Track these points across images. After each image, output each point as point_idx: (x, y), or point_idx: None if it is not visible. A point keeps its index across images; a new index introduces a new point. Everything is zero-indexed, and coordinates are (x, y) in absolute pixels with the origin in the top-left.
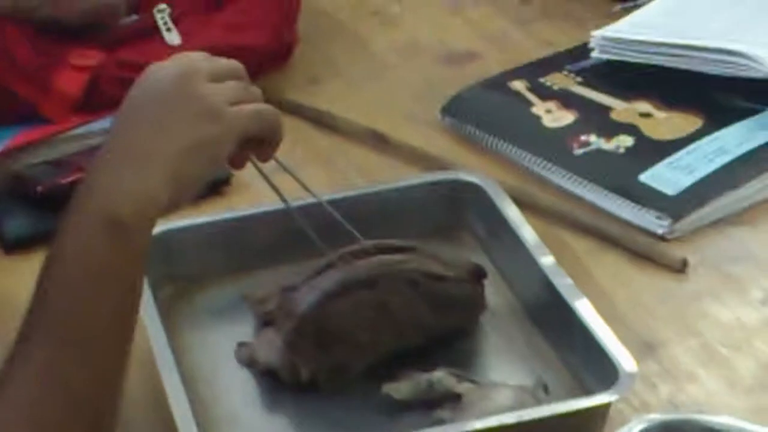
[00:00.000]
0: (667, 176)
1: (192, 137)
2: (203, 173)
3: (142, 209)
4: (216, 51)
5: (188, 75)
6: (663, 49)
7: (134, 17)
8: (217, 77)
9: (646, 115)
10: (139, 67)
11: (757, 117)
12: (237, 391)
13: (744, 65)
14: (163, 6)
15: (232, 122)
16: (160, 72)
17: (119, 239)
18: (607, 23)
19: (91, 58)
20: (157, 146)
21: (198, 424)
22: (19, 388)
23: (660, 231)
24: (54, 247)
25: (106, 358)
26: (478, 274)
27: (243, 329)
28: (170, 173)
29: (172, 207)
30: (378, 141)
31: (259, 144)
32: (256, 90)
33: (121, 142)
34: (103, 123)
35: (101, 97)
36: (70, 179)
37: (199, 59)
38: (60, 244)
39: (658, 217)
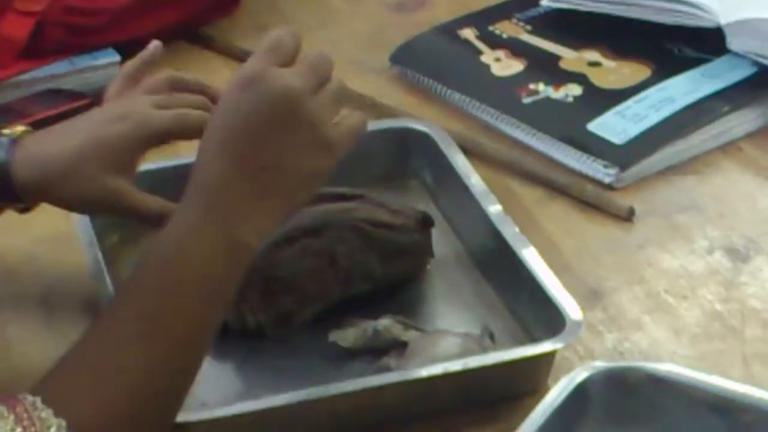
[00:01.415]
0: (615, 125)
1: (309, 170)
2: (308, 201)
3: (261, 238)
4: None
5: (298, 96)
6: None
7: None
8: (317, 82)
9: (595, 64)
10: (84, 13)
11: (704, 67)
12: None
13: (692, 14)
14: None
15: (340, 150)
16: (267, 90)
17: (238, 260)
18: None
19: (36, 3)
20: (280, 181)
21: None
22: (92, 369)
23: (607, 180)
24: (161, 239)
25: (187, 362)
26: (425, 222)
27: None
28: (288, 208)
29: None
30: None
31: None
32: (343, 85)
33: (245, 167)
34: (48, 69)
35: (46, 43)
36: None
37: (294, 71)
38: (169, 240)
39: (606, 166)
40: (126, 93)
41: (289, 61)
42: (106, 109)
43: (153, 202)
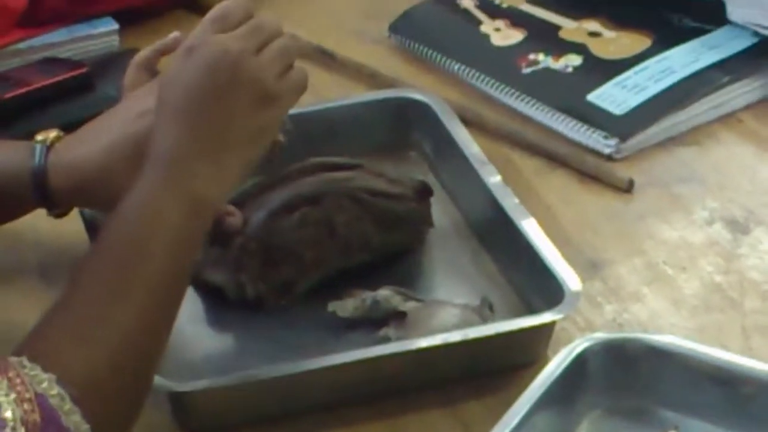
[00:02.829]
0: (615, 96)
1: (257, 125)
2: (263, 152)
3: (222, 194)
4: None
5: (235, 58)
6: None
7: None
8: (258, 43)
9: (595, 35)
10: None
11: (704, 37)
12: (182, 309)
13: None
14: None
15: (286, 101)
16: (205, 57)
17: (200, 217)
18: None
19: None
20: (231, 139)
21: None
22: (77, 326)
23: (607, 151)
24: (122, 210)
25: (162, 314)
26: (424, 192)
27: None
28: (244, 161)
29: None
30: (326, 58)
31: None
32: (291, 42)
33: (198, 133)
34: (46, 38)
35: (45, 11)
36: (12, 93)
37: (233, 34)
38: (131, 211)
39: (606, 137)
40: (142, 82)
41: (235, 28)
42: (130, 104)
43: None
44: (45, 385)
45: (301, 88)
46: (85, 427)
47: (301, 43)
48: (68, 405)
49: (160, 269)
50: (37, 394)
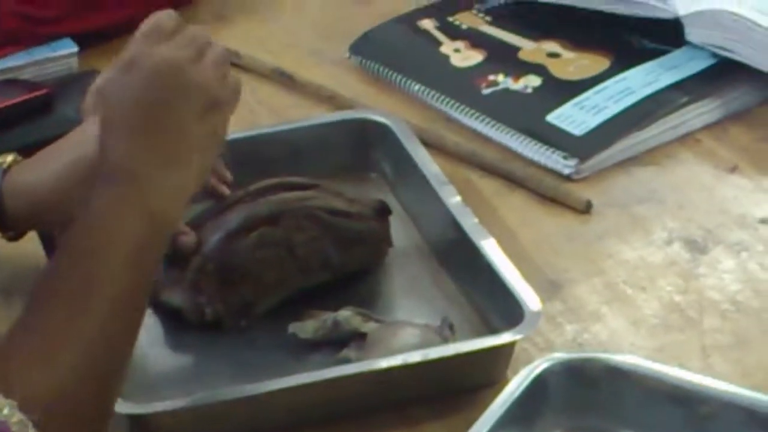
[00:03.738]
0: (575, 116)
1: (207, 131)
2: (215, 157)
3: (178, 205)
4: None
5: (179, 66)
6: None
7: None
8: (196, 51)
9: (555, 55)
10: (38, 3)
11: (663, 58)
12: (141, 331)
13: (651, 6)
14: None
15: (229, 105)
16: (149, 68)
17: (156, 230)
18: None
19: None
20: (183, 147)
21: None
22: (38, 346)
23: (567, 171)
24: (77, 228)
25: (123, 328)
26: (382, 211)
27: None
28: (198, 168)
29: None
30: (285, 79)
31: None
32: (223, 49)
33: (150, 144)
34: (5, 61)
35: (1, 33)
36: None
37: (170, 45)
38: (87, 228)
39: (565, 158)
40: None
41: (169, 39)
42: (87, 128)
43: None
44: (6, 411)
45: (239, 92)
46: None
47: (228, 52)
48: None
49: (120, 283)
50: None
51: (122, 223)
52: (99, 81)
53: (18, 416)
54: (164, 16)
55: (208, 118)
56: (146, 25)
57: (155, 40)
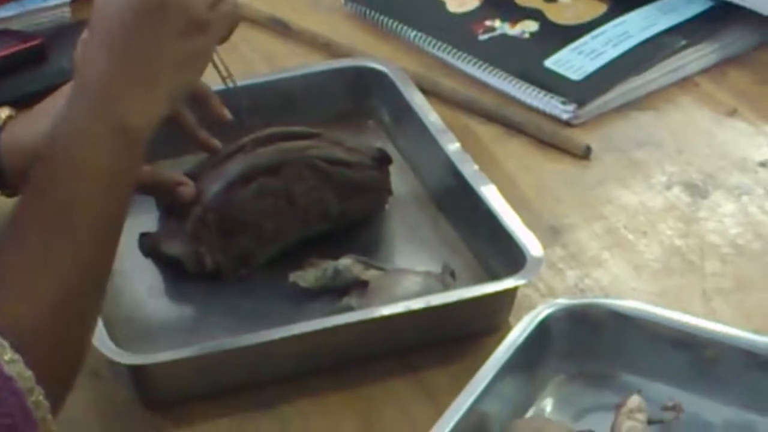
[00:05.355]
0: (572, 61)
1: (185, 52)
2: (193, 81)
3: (151, 123)
4: None
5: None
6: None
7: None
8: None
9: (551, 0)
10: None
11: (661, 2)
12: (141, 282)
13: None
14: None
15: (216, 30)
16: None
17: (129, 147)
18: None
19: None
20: (158, 65)
21: (102, 315)
22: (15, 273)
23: (565, 116)
24: (52, 146)
25: (100, 254)
26: (382, 160)
27: (146, 219)
28: (171, 88)
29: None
30: (280, 27)
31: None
32: None
33: (125, 60)
34: None
35: None
36: None
37: None
38: (62, 146)
39: (564, 103)
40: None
41: None
42: None
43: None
44: None
45: (234, 19)
46: (28, 374)
47: None
48: (9, 354)
49: (96, 207)
50: None
51: (95, 139)
52: None
53: None
54: None
55: (189, 40)
56: None
57: None
